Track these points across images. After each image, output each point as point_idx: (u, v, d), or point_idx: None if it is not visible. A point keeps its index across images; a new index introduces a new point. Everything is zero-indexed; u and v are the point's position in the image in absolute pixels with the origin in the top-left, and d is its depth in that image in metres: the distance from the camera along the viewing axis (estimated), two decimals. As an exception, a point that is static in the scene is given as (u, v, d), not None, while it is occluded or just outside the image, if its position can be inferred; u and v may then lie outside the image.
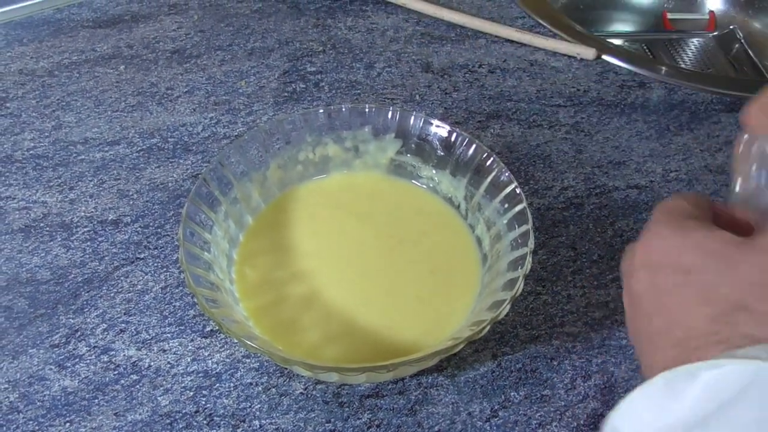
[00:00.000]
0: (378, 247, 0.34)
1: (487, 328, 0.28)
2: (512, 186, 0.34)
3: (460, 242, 0.35)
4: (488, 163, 0.35)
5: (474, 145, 0.35)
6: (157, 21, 0.57)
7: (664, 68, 0.53)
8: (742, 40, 0.73)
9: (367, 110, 0.37)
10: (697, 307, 0.23)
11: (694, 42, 0.74)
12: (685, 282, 0.23)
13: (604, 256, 0.40)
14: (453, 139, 0.36)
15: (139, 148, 0.45)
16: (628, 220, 0.42)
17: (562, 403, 0.33)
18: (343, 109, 0.36)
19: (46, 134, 0.46)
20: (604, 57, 0.54)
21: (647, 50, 0.73)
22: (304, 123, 0.36)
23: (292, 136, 0.36)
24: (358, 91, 0.51)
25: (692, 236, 0.24)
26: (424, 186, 0.38)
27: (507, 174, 0.34)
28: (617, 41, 0.73)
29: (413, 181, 0.38)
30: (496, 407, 0.33)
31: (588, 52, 0.53)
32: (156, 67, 0.52)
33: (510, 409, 0.33)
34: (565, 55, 0.54)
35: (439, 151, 0.37)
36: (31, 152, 0.45)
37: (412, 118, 0.37)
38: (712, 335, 0.22)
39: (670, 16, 0.75)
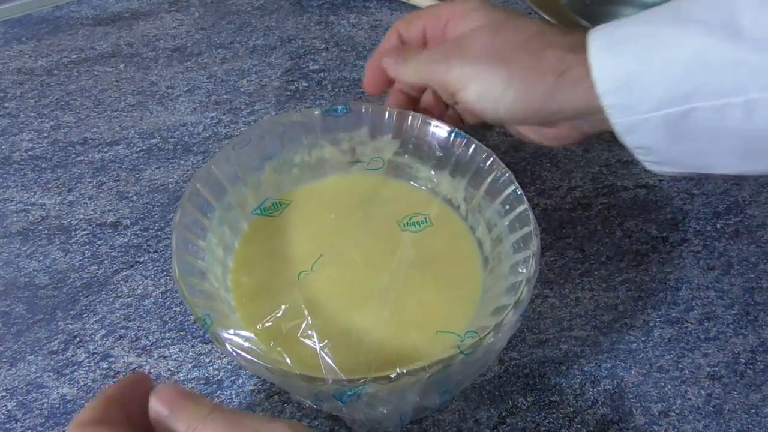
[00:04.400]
0: (381, 250, 0.33)
1: (490, 335, 0.27)
2: (513, 187, 0.33)
3: (460, 245, 0.34)
4: (488, 163, 0.34)
5: (473, 145, 0.35)
6: (157, 18, 0.56)
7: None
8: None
9: (363, 110, 0.36)
10: None
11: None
12: None
13: (613, 257, 0.39)
14: (452, 139, 0.35)
15: (138, 149, 0.45)
16: (636, 221, 0.41)
17: (571, 410, 0.33)
18: (339, 110, 0.36)
19: (45, 134, 0.46)
20: (612, 53, 0.53)
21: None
22: (300, 124, 0.35)
23: (287, 139, 0.35)
24: (362, 90, 0.50)
25: None
26: (423, 187, 0.37)
27: (507, 174, 0.33)
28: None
29: (412, 182, 0.37)
30: (503, 414, 0.33)
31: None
32: (156, 66, 0.51)
33: (518, 416, 0.32)
34: (571, 51, 0.53)
35: (437, 152, 0.36)
36: (29, 153, 0.44)
37: (410, 118, 0.36)
38: None
39: (677, 10, 0.73)
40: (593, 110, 0.32)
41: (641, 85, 0.31)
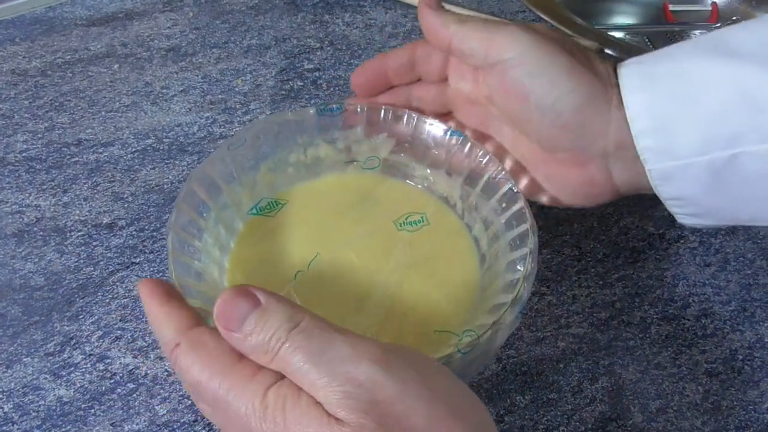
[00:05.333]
0: (377, 249, 0.33)
1: (488, 333, 0.27)
2: (509, 185, 0.33)
3: (457, 243, 0.34)
4: (484, 161, 0.34)
5: (469, 144, 0.34)
6: (151, 18, 0.56)
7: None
8: (746, 32, 0.72)
9: (358, 109, 0.36)
10: None
11: (697, 34, 0.73)
12: None
13: (609, 254, 0.39)
14: (448, 137, 0.35)
15: (133, 150, 0.44)
16: (633, 218, 0.41)
17: (569, 407, 0.33)
18: (334, 109, 0.35)
19: (39, 136, 0.45)
20: (606, 50, 0.53)
21: (649, 43, 0.72)
22: (294, 124, 0.35)
23: (282, 138, 0.35)
24: (357, 89, 0.50)
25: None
26: (419, 186, 0.37)
27: (504, 172, 0.33)
28: (618, 34, 0.72)
29: (408, 180, 0.37)
30: (501, 412, 0.32)
31: (589, 46, 0.52)
32: (151, 66, 0.51)
33: (516, 414, 0.32)
34: (567, 49, 0.53)
35: (433, 150, 0.36)
36: (23, 154, 0.44)
37: (406, 116, 0.36)
38: None
39: (671, 8, 0.73)
40: (628, 146, 0.29)
41: (681, 126, 0.28)
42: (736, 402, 0.33)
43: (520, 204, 0.32)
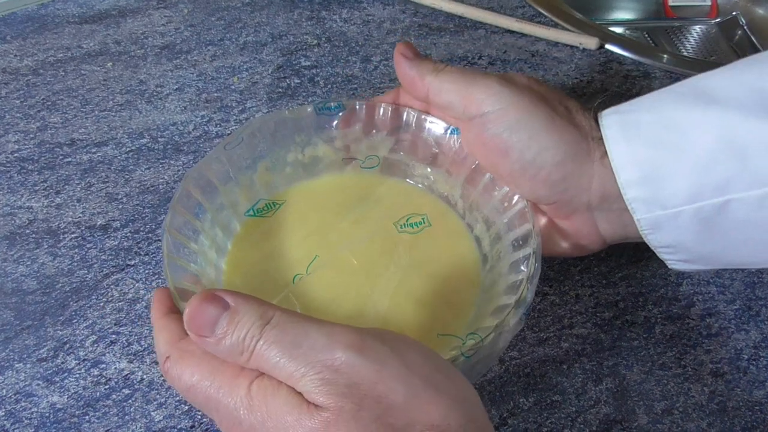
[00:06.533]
0: (378, 251, 0.32)
1: (491, 336, 0.26)
2: None
3: (458, 243, 0.34)
4: None
5: None
6: (145, 15, 0.55)
7: (666, 56, 0.52)
8: (745, 27, 0.71)
9: (357, 107, 0.35)
10: None
11: (696, 29, 0.72)
12: None
13: (612, 253, 0.39)
14: (448, 135, 0.34)
15: (128, 149, 0.44)
16: (636, 216, 0.41)
17: (573, 409, 0.32)
18: (333, 107, 0.35)
19: (31, 136, 0.44)
20: (607, 46, 0.52)
21: (649, 38, 0.71)
22: (292, 122, 0.35)
23: (279, 137, 0.35)
24: (355, 86, 0.49)
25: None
26: (419, 185, 0.36)
27: None
28: (618, 29, 0.72)
29: (408, 179, 0.36)
30: (504, 415, 0.32)
31: (590, 42, 0.51)
32: (145, 64, 0.50)
33: (519, 417, 0.32)
34: (567, 45, 0.52)
35: (433, 149, 0.35)
36: (15, 155, 0.43)
37: (405, 114, 0.35)
38: None
39: (671, 3, 0.73)
40: (612, 197, 0.29)
41: (668, 176, 0.27)
42: (742, 403, 0.33)
43: (522, 204, 0.32)
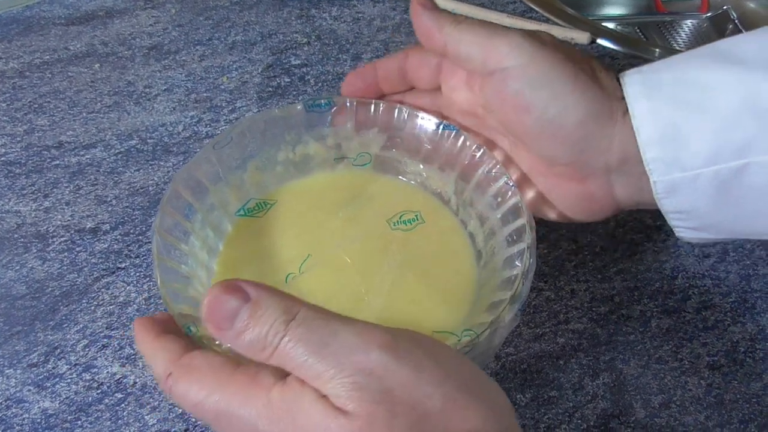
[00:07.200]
0: (371, 249, 0.32)
1: (487, 332, 0.26)
2: (504, 179, 0.32)
3: (452, 240, 0.33)
4: (478, 155, 0.33)
5: (462, 138, 0.33)
6: (132, 16, 0.54)
7: (659, 51, 0.52)
8: (736, 21, 0.71)
9: (347, 104, 0.35)
10: None
11: (688, 24, 0.72)
12: None
13: (607, 248, 0.39)
14: (440, 131, 0.34)
15: (116, 151, 0.43)
16: (630, 209, 0.41)
17: (571, 404, 0.32)
18: (323, 104, 0.34)
19: (18, 139, 0.44)
20: (599, 41, 0.52)
21: (640, 33, 0.71)
22: (282, 121, 0.34)
23: (269, 136, 0.34)
24: (346, 84, 0.48)
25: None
26: (412, 182, 0.36)
27: (498, 166, 0.32)
28: (610, 24, 0.72)
29: (400, 176, 0.36)
30: (501, 412, 0.32)
31: (582, 37, 0.51)
32: (133, 65, 0.50)
33: (516, 413, 0.32)
34: (558, 40, 0.52)
35: (426, 145, 0.35)
36: (2, 159, 0.43)
37: (397, 110, 0.35)
38: None
39: (662, -3, 0.73)
40: (632, 160, 0.29)
41: (689, 135, 0.27)
42: (739, 395, 0.33)
43: (516, 198, 0.31)
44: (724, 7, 0.72)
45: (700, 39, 0.71)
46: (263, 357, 0.20)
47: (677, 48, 0.69)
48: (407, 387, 0.19)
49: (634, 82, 0.29)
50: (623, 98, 0.29)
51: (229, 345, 0.21)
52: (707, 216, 0.29)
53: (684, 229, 0.31)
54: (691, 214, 0.29)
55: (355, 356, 0.19)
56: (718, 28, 0.72)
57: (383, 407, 0.18)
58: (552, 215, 0.33)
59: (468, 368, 0.21)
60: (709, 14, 0.72)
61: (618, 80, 0.30)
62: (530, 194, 0.33)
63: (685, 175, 0.28)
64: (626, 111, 0.29)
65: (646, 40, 0.70)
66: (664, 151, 0.28)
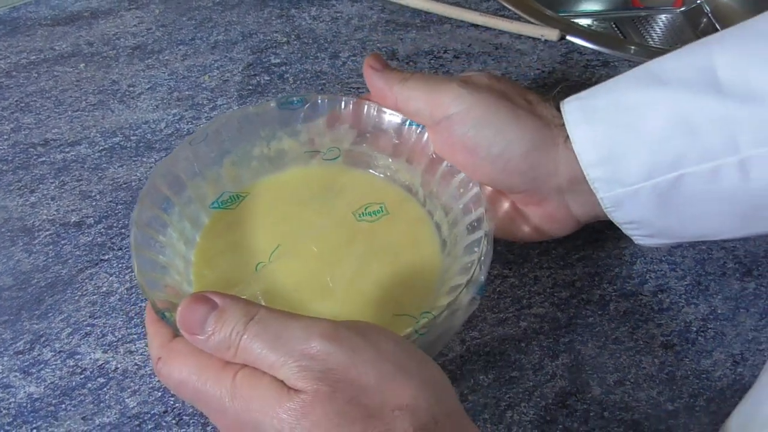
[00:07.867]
0: (337, 240, 0.34)
1: (444, 314, 0.28)
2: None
3: (419, 230, 0.35)
4: None
5: (427, 133, 0.35)
6: (117, 16, 0.56)
7: (631, 47, 0.53)
8: (710, 15, 0.73)
9: (319, 101, 0.36)
10: None
11: (662, 18, 0.74)
12: None
13: (570, 236, 0.40)
14: (406, 127, 0.36)
15: (101, 148, 0.45)
16: (594, 200, 0.42)
17: (531, 384, 0.34)
18: (295, 102, 0.36)
19: (5, 137, 0.45)
20: (568, 38, 0.54)
21: (617, 29, 0.73)
22: (256, 117, 0.36)
23: (245, 132, 0.36)
24: (324, 82, 0.50)
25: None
26: (382, 175, 0.38)
27: None
28: (586, 20, 0.73)
29: (371, 170, 0.38)
30: (465, 391, 0.33)
31: (552, 34, 0.53)
32: (117, 64, 0.51)
33: (479, 392, 0.33)
34: (529, 37, 0.54)
35: (394, 140, 0.36)
36: (-11, 156, 0.44)
37: (365, 107, 0.36)
38: None
39: (638, -7, 0.74)
40: (580, 180, 0.31)
41: (625, 155, 0.29)
42: (690, 372, 0.34)
43: (477, 189, 0.33)
44: (698, 2, 0.73)
45: (674, 33, 0.73)
46: (229, 356, 0.23)
47: (652, 43, 0.71)
48: (345, 366, 0.22)
49: (573, 109, 0.31)
50: (563, 125, 0.32)
51: (200, 347, 0.24)
52: (654, 224, 0.32)
53: (639, 236, 0.33)
54: (641, 223, 0.32)
55: (300, 345, 0.22)
56: (692, 22, 0.73)
57: (325, 384, 0.22)
58: (526, 229, 0.36)
59: (404, 350, 0.24)
60: (683, 9, 0.74)
61: (557, 108, 0.32)
62: (502, 212, 0.36)
63: (627, 190, 0.30)
64: (567, 137, 0.31)
65: (621, 36, 0.72)
66: (604, 171, 0.30)
